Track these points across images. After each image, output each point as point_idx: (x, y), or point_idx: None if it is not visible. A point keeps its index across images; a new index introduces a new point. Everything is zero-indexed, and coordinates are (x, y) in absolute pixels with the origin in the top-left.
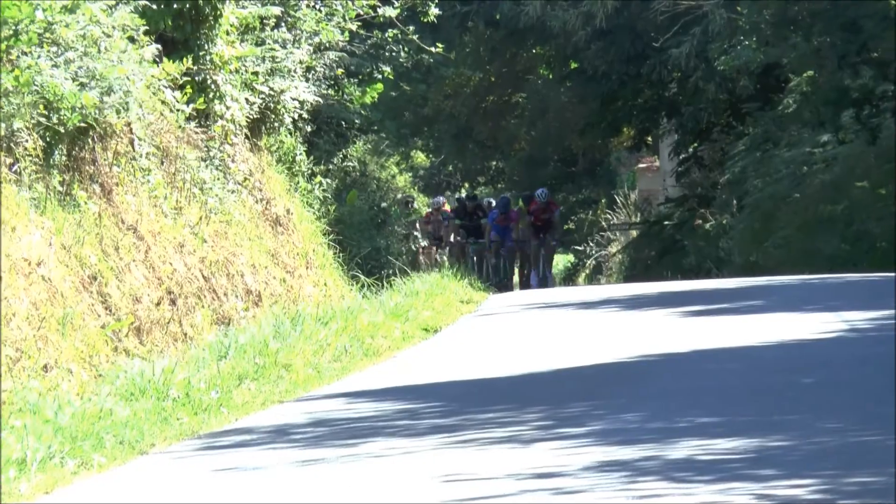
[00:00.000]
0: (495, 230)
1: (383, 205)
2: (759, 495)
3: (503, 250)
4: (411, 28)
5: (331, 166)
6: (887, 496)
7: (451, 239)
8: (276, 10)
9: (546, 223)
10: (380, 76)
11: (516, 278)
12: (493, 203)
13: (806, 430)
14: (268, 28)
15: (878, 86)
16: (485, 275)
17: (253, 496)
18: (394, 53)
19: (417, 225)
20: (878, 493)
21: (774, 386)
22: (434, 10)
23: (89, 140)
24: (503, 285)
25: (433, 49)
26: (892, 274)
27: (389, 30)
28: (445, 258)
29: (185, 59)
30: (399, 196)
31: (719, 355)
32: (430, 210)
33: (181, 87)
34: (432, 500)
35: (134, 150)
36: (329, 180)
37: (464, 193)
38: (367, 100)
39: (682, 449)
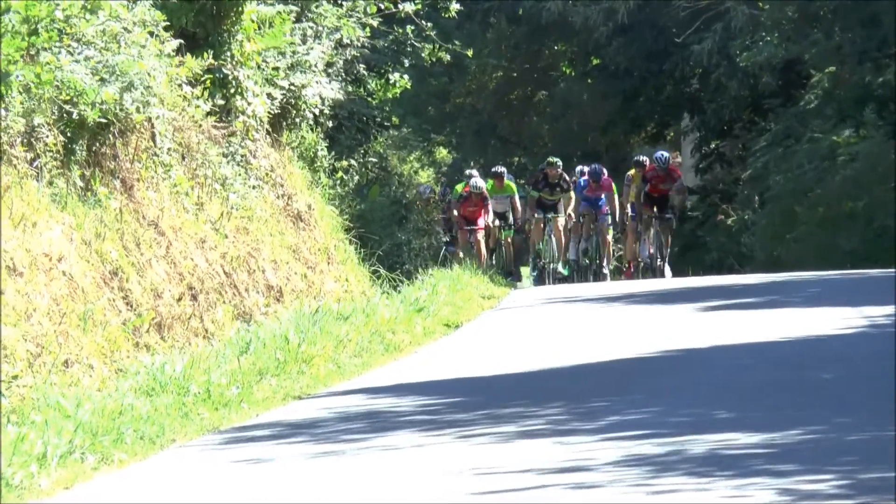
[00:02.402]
0: (585, 203)
1: (404, 200)
2: (781, 490)
3: (594, 227)
4: (429, 24)
5: (352, 162)
6: None
7: (530, 216)
8: (294, 8)
9: (664, 194)
10: (400, 73)
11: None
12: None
13: (825, 426)
14: (288, 24)
15: None
16: (569, 259)
17: (271, 490)
18: (416, 48)
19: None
20: None
21: (794, 381)
22: (455, 6)
23: (110, 135)
24: (595, 272)
25: (450, 46)
26: None
27: (408, 25)
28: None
29: (205, 55)
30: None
31: (739, 351)
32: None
33: (201, 83)
34: (450, 494)
35: (155, 146)
36: (350, 176)
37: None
38: (389, 94)
39: (702, 444)
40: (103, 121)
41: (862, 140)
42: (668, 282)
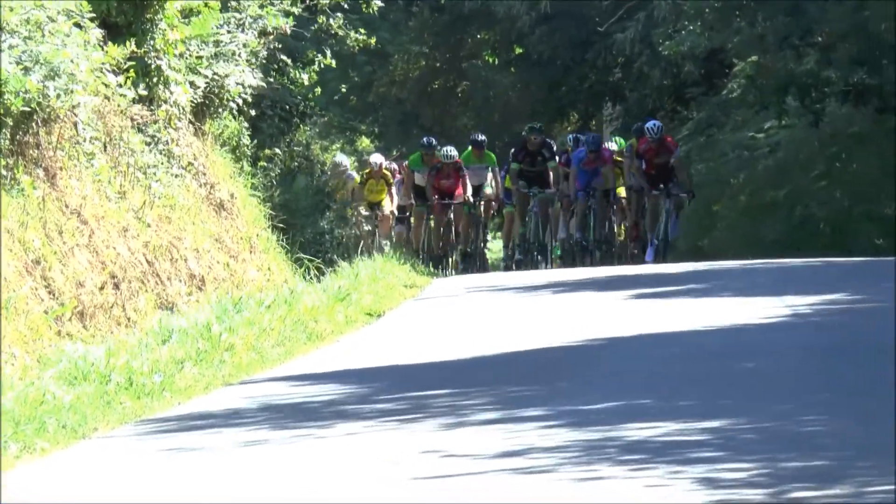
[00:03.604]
0: (582, 177)
1: (327, 189)
2: (703, 479)
3: (593, 202)
4: (339, 15)
5: (275, 150)
6: (825, 479)
7: (513, 188)
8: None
9: (662, 169)
10: (322, 64)
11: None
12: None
13: (749, 415)
14: (216, 15)
15: (823, 70)
16: (556, 239)
17: (197, 479)
18: (340, 37)
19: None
20: (817, 477)
21: (718, 371)
22: (377, 2)
23: (33, 124)
24: (595, 252)
25: (365, 39)
26: (836, 259)
27: (330, 19)
28: (387, 242)
29: (127, 43)
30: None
31: (663, 340)
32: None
33: (125, 72)
34: (391, 479)
35: (78, 135)
36: (273, 164)
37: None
38: (309, 81)
39: (626, 432)
40: (27, 109)
41: (783, 128)
42: (595, 271)
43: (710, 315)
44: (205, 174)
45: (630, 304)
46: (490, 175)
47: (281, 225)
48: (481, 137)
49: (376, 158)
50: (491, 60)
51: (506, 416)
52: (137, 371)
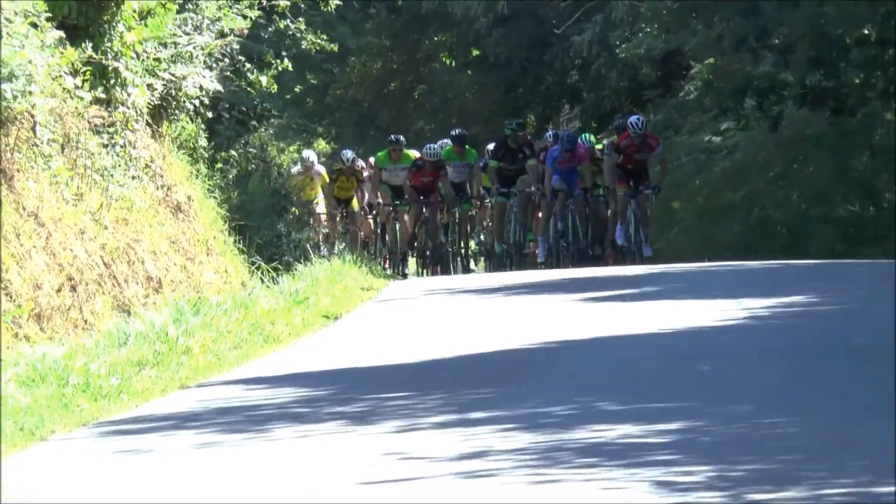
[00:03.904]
0: (558, 175)
1: (283, 191)
2: (657, 482)
3: (571, 203)
4: (301, 20)
5: (232, 152)
6: (782, 482)
7: (492, 188)
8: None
9: (641, 165)
10: (279, 68)
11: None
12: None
13: (706, 418)
14: (171, 15)
15: (780, 72)
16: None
17: (153, 481)
18: (298, 38)
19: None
20: (774, 479)
21: (675, 373)
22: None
23: None
24: (582, 253)
25: (323, 41)
26: (793, 261)
27: (289, 21)
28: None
29: (83, 45)
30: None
31: (621, 342)
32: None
33: (82, 74)
34: (338, 483)
35: (35, 137)
36: (230, 167)
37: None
38: (267, 84)
39: (583, 434)
40: None
41: (741, 131)
42: (553, 273)
43: (667, 317)
44: (162, 176)
45: (588, 306)
46: (470, 173)
47: (239, 226)
48: (463, 133)
49: (348, 154)
50: (448, 62)
51: (463, 419)
52: (95, 374)
